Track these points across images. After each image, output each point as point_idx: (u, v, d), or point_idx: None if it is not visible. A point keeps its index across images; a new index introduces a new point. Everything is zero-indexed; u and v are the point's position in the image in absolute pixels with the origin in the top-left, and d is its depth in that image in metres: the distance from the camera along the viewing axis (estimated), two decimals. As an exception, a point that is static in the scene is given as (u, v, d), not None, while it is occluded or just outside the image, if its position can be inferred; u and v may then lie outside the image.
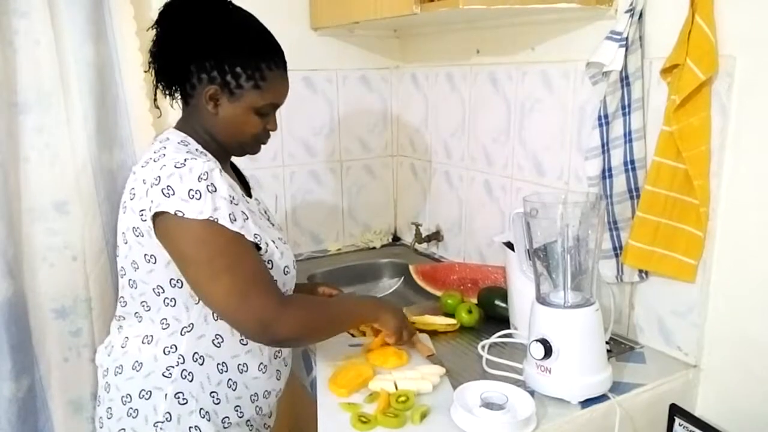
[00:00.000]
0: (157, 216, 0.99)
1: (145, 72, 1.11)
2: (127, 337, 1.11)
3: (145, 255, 1.04)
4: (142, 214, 1.01)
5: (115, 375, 1.10)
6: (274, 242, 1.10)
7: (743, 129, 1.15)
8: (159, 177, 0.98)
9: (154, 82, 1.11)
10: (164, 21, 1.06)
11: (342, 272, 1.93)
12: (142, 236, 1.03)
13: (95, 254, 1.56)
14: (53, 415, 1.61)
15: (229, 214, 0.99)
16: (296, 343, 1.14)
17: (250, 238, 1.03)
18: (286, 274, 1.12)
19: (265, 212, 1.21)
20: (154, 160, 1.01)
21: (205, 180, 0.98)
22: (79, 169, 1.53)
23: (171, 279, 1.05)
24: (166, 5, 1.06)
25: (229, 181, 1.04)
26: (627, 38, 1.22)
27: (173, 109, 1.14)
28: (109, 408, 1.10)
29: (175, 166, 0.98)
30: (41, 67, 1.46)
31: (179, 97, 1.10)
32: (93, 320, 1.60)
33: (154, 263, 1.04)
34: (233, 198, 1.01)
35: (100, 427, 1.13)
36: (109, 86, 1.56)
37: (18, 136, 1.48)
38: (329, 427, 1.07)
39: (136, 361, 1.08)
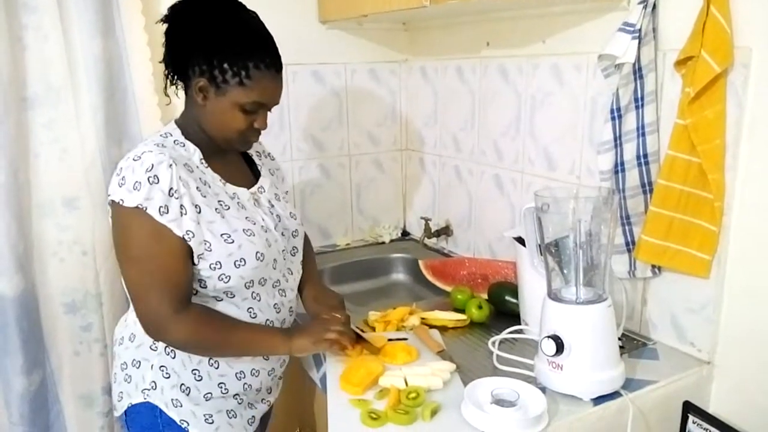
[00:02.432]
0: (111, 204, 1.06)
1: (159, 62, 1.15)
2: (131, 312, 1.20)
3: None
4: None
5: (118, 345, 1.21)
6: (229, 235, 1.08)
7: (759, 122, 1.13)
8: (121, 168, 1.05)
9: (164, 72, 1.15)
10: (171, 16, 1.10)
11: (351, 267, 1.93)
12: None
13: (105, 249, 1.56)
14: (65, 409, 1.63)
15: (161, 206, 1.02)
16: (193, 352, 1.12)
17: (179, 233, 1.04)
18: (237, 267, 1.09)
19: (268, 201, 1.22)
20: (128, 152, 1.08)
21: (149, 171, 1.02)
22: (88, 163, 1.54)
23: None
24: (177, 2, 1.10)
25: (183, 174, 1.05)
26: (640, 30, 1.20)
27: (179, 99, 1.18)
28: (115, 374, 1.21)
29: (133, 159, 1.04)
30: (50, 63, 1.46)
31: (182, 87, 1.14)
32: (103, 315, 1.61)
33: None
34: (175, 191, 1.03)
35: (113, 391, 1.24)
36: (117, 81, 1.56)
37: (27, 132, 1.48)
38: (339, 423, 1.06)
39: (132, 333, 1.17)
